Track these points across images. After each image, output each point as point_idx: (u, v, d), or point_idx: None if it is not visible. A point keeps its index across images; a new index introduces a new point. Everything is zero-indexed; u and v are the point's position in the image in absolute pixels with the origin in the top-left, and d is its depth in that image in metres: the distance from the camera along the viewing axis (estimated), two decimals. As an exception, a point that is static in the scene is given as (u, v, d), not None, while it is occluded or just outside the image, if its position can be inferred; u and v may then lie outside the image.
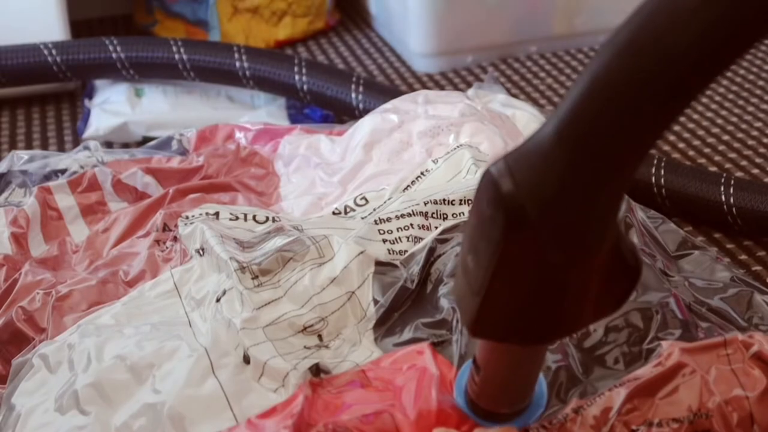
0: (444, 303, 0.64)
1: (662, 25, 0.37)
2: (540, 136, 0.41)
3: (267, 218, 0.74)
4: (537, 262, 0.43)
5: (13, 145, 1.10)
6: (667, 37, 0.37)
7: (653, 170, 0.89)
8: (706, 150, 1.02)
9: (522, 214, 0.41)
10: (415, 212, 0.71)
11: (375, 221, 0.70)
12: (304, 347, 0.62)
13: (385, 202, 0.74)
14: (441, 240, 0.68)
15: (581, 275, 0.44)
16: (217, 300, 0.65)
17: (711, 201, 0.87)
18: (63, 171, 0.83)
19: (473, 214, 0.44)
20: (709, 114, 1.09)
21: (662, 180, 0.89)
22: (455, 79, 1.22)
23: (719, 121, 1.08)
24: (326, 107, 1.06)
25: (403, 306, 0.65)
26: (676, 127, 1.06)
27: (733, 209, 0.86)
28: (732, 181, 0.87)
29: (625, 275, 0.46)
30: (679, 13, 0.37)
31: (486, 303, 0.45)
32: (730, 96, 1.13)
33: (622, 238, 0.45)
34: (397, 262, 0.67)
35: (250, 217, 0.74)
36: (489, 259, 0.43)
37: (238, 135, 0.89)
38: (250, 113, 1.08)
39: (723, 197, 0.86)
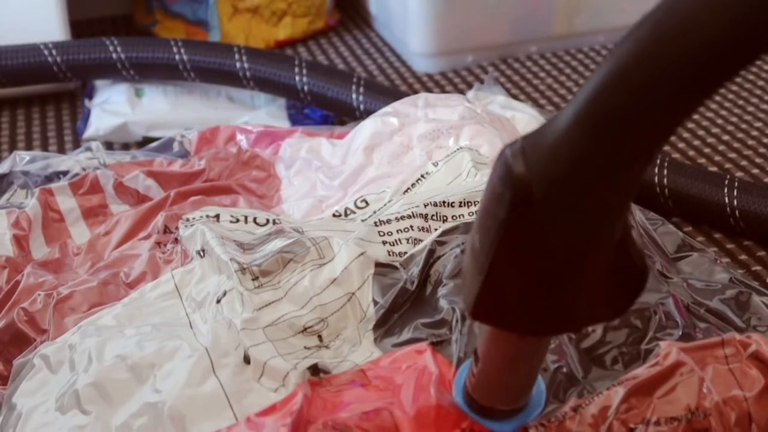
0: (443, 304, 0.64)
1: (689, 17, 0.37)
2: (558, 120, 0.41)
3: (267, 220, 0.74)
4: (539, 246, 0.43)
5: (13, 145, 1.10)
6: (693, 28, 0.37)
7: (656, 169, 0.88)
8: (706, 150, 1.02)
9: (528, 193, 0.41)
10: (415, 214, 0.71)
11: (375, 223, 0.70)
12: (304, 347, 0.63)
13: (385, 205, 0.74)
14: (440, 242, 0.68)
15: (583, 268, 0.44)
16: (218, 301, 0.65)
17: (714, 203, 0.86)
18: (65, 172, 0.83)
19: (485, 193, 0.44)
20: (709, 114, 1.09)
21: (665, 180, 0.88)
22: (455, 79, 1.22)
23: (719, 121, 1.08)
24: (327, 108, 1.06)
25: (403, 307, 0.65)
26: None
27: (736, 212, 0.85)
28: (736, 183, 0.86)
29: (631, 279, 0.46)
30: (707, 5, 0.37)
31: (487, 283, 0.44)
32: (730, 96, 1.13)
33: (631, 240, 0.45)
34: (397, 264, 0.67)
35: (250, 219, 0.74)
36: (494, 237, 0.43)
37: (240, 137, 0.89)
38: (250, 113, 1.08)
39: (726, 199, 0.86)
